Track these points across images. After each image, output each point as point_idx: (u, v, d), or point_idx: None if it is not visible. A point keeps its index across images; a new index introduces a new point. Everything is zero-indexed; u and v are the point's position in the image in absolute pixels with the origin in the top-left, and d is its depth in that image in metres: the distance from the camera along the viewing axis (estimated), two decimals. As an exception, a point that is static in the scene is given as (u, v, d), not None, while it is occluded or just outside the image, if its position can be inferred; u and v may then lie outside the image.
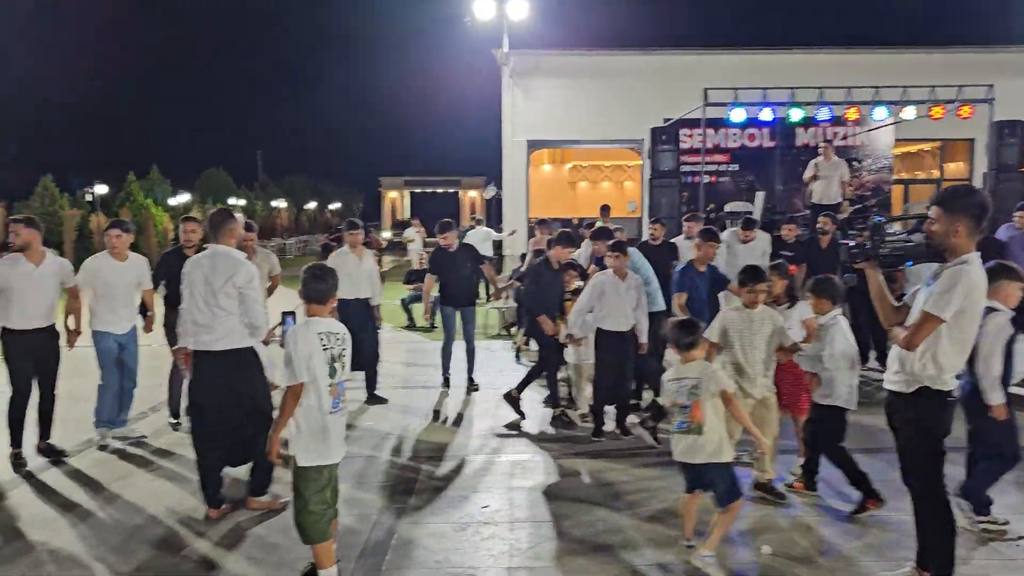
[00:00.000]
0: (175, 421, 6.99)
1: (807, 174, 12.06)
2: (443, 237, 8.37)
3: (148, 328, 6.95)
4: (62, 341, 6.32)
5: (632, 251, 7.02)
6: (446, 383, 8.44)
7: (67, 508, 5.16)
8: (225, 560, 4.35)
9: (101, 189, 32.44)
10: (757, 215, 11.95)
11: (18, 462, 6.03)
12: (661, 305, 7.17)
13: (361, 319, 7.65)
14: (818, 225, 9.22)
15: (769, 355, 5.07)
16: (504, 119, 20.18)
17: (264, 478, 5.05)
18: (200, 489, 4.97)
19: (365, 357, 7.82)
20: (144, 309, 6.90)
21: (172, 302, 6.92)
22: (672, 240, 9.05)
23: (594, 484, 5.50)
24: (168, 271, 6.86)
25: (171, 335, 6.86)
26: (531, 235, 11.62)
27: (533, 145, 20.30)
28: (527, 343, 10.89)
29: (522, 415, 7.13)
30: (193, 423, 4.98)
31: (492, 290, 9.02)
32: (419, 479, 5.65)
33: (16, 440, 6.11)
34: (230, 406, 4.78)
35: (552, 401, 7.28)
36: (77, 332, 6.46)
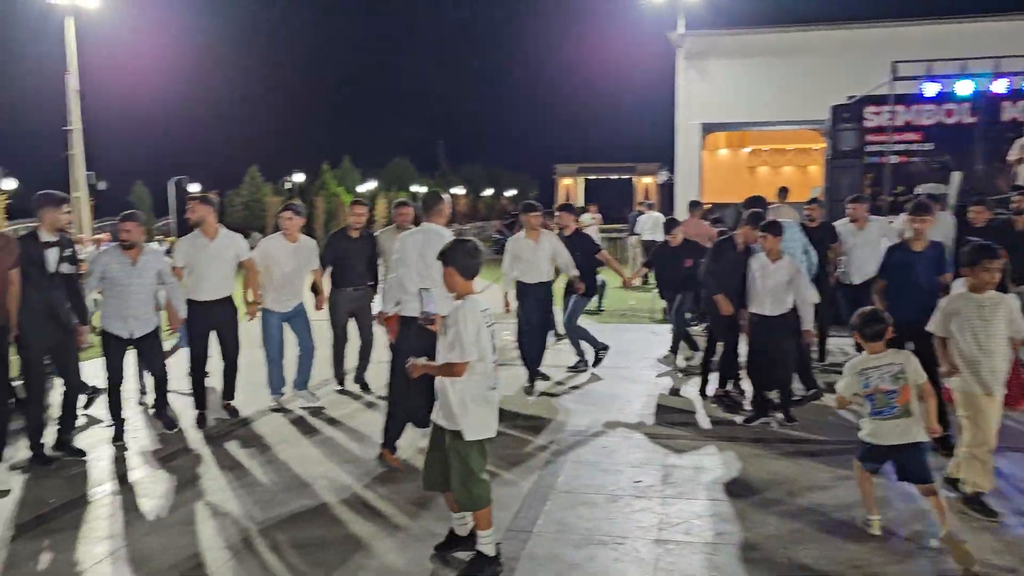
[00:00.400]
0: (340, 388, 7.60)
1: (1012, 154, 10.99)
2: (557, 218, 8.60)
3: (319, 306, 7.38)
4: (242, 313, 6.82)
5: (793, 231, 6.77)
6: (584, 362, 8.49)
7: (232, 466, 5.75)
8: (390, 514, 4.74)
9: (299, 178, 35.09)
10: (952, 198, 11.05)
11: (201, 422, 6.63)
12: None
13: (540, 303, 7.59)
14: (1012, 204, 8.37)
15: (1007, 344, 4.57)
16: (678, 102, 19.84)
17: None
18: (383, 432, 5.53)
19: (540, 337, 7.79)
20: (315, 289, 7.30)
21: (338, 282, 7.46)
22: (834, 223, 8.55)
23: (753, 468, 5.42)
24: (335, 252, 7.39)
25: (335, 313, 7.43)
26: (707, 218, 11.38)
27: (708, 128, 19.82)
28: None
29: (740, 405, 6.86)
30: (392, 377, 5.45)
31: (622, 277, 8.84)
32: (576, 452, 5.82)
33: (200, 402, 6.69)
34: None
35: (722, 384, 7.08)
36: (256, 303, 6.87)
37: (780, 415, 6.40)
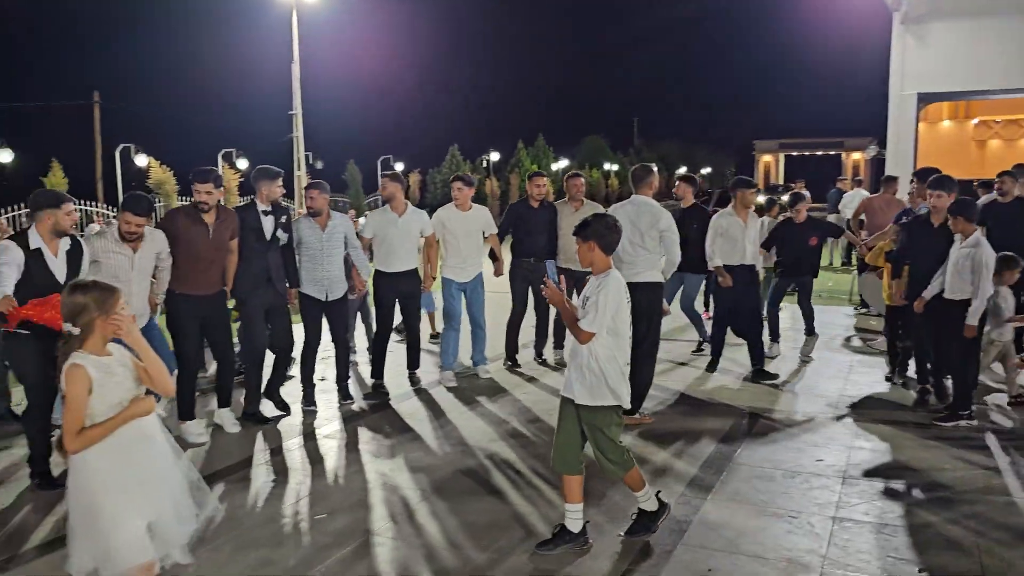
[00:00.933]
0: (511, 363, 7.61)
1: None
2: (676, 188, 8.25)
3: (498, 272, 7.52)
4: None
5: None
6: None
7: (402, 435, 6.18)
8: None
9: (494, 156, 36.22)
10: None
11: (380, 390, 6.83)
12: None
13: (744, 286, 7.18)
14: None
15: None
16: (892, 71, 18.40)
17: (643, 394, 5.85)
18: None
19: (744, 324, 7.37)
20: (493, 256, 7.45)
21: (516, 251, 7.60)
22: None
23: (941, 457, 5.13)
24: (515, 220, 7.53)
25: (513, 283, 7.53)
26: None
27: (925, 99, 18.23)
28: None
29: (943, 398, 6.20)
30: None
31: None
32: (757, 429, 5.77)
33: (377, 371, 6.90)
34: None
35: (921, 378, 6.42)
36: (432, 277, 7.13)
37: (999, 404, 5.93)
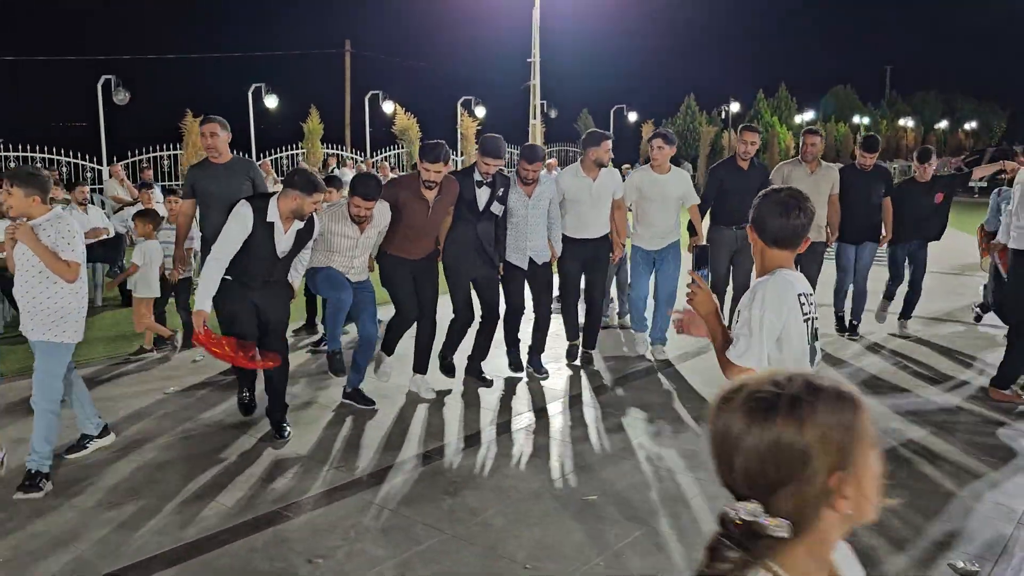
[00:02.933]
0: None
1: None
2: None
3: (691, 247, 6.50)
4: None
5: None
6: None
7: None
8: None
9: (734, 107, 34.25)
10: None
11: (575, 357, 6.38)
12: None
13: None
14: None
15: None
16: None
17: None
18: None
19: None
20: (691, 228, 6.48)
21: (717, 218, 6.66)
22: None
23: None
24: (717, 185, 6.63)
25: (714, 255, 6.50)
26: None
27: None
28: None
29: None
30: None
31: None
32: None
33: (590, 341, 6.37)
34: None
35: None
36: (621, 245, 6.43)
37: None
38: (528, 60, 24.98)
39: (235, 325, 4.69)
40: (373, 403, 5.35)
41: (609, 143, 6.03)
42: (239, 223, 4.52)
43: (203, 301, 4.48)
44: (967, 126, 63.41)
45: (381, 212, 5.13)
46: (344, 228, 5.05)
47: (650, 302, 6.65)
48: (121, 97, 17.74)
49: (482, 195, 5.50)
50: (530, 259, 5.88)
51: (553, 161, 15.99)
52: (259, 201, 4.64)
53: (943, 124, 59.59)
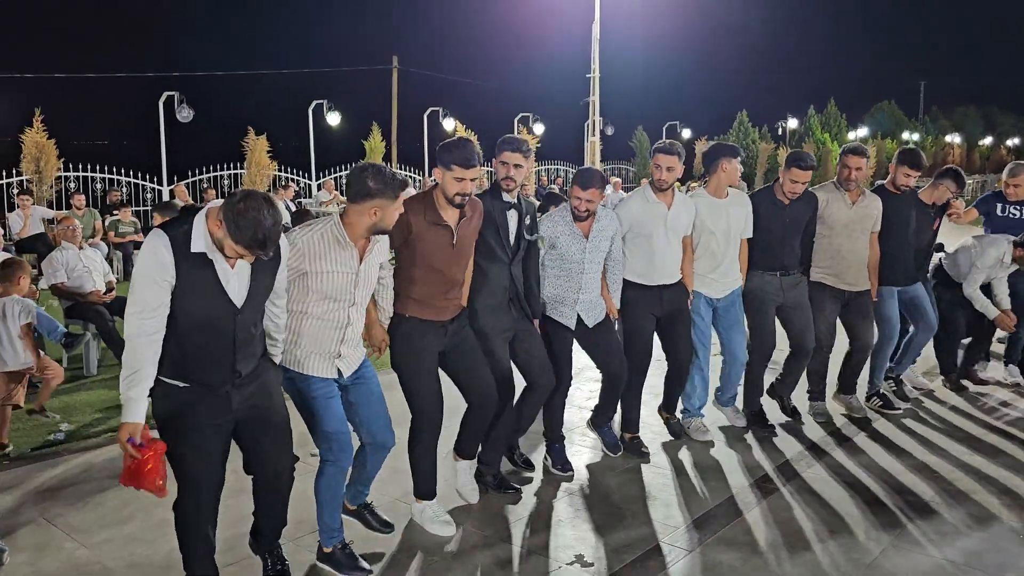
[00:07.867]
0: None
1: None
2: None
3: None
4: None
5: None
6: None
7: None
8: None
9: (792, 123, 33.48)
10: None
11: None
12: None
13: None
14: None
15: None
16: None
17: None
18: None
19: None
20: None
21: (757, 262, 5.17)
22: None
23: None
24: (755, 221, 5.12)
25: (752, 306, 5.15)
26: None
27: None
28: None
29: None
30: None
31: None
32: None
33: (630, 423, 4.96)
34: None
35: None
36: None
37: None
38: (587, 75, 24.36)
39: (191, 469, 2.89)
40: (391, 526, 3.79)
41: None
42: (154, 260, 2.71)
43: (133, 407, 2.72)
44: (1009, 142, 62.14)
45: (378, 242, 3.43)
46: (337, 255, 3.27)
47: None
48: (185, 114, 17.25)
49: (512, 220, 4.07)
50: (578, 317, 4.46)
51: (618, 181, 14.91)
52: (176, 226, 2.76)
53: (987, 140, 58.44)
